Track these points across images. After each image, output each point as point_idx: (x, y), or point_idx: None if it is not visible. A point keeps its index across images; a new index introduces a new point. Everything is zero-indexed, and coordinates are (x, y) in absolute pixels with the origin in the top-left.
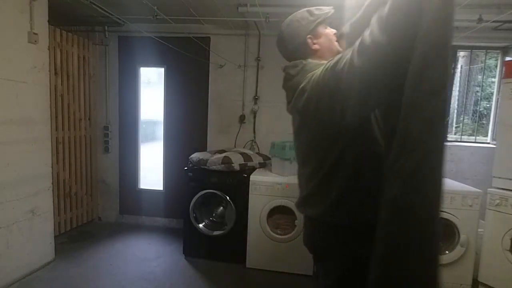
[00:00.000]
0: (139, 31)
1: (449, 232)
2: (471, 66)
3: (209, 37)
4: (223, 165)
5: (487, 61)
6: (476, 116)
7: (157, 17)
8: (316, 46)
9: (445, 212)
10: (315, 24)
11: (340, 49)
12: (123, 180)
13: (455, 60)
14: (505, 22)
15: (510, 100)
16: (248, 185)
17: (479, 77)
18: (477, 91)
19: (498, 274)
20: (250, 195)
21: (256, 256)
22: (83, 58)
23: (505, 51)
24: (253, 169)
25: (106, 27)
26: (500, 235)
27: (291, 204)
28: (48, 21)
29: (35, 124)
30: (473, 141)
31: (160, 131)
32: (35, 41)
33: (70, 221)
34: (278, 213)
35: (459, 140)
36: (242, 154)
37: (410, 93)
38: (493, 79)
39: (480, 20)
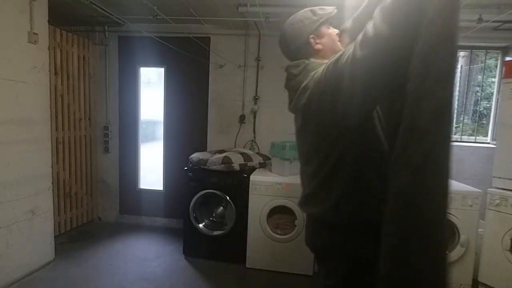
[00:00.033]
0: (139, 31)
1: (449, 232)
2: (471, 66)
3: (209, 37)
4: (223, 165)
5: (487, 61)
6: (476, 116)
7: (157, 17)
8: (319, 46)
9: None
10: (318, 24)
11: (343, 49)
12: (123, 180)
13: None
14: (505, 22)
15: (510, 100)
16: (248, 185)
17: (479, 77)
18: (477, 91)
19: (498, 274)
20: (250, 195)
21: (256, 256)
22: (83, 58)
23: (505, 51)
24: (253, 169)
25: (106, 27)
26: (500, 235)
27: (291, 204)
28: (48, 21)
29: (35, 124)
30: (473, 141)
31: (160, 131)
32: (35, 41)
33: (70, 221)
34: (278, 213)
35: (459, 140)
36: (242, 154)
37: (415, 81)
38: (493, 79)
39: (480, 20)
